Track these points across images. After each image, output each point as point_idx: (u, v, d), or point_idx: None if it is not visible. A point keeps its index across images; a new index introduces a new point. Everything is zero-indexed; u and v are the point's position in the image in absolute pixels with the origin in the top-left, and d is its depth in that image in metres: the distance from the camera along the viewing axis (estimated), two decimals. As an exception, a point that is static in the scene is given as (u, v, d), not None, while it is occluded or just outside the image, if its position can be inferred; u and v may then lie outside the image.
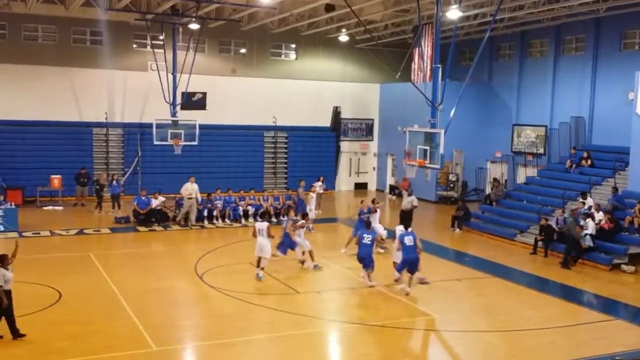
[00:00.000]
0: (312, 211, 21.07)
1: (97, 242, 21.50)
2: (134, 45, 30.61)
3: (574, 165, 24.78)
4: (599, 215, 19.83)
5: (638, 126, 21.31)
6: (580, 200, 21.25)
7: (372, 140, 36.44)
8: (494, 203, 25.98)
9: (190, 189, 23.78)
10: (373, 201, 20.13)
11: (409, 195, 22.43)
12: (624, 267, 18.52)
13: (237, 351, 11.77)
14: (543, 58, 29.32)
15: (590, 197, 21.61)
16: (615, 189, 21.45)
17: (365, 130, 36.32)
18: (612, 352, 12.01)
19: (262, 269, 16.27)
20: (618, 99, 24.58)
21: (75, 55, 29.45)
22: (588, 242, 19.11)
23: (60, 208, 26.72)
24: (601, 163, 24.11)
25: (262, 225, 16.52)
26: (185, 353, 11.94)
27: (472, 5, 24.32)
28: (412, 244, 14.91)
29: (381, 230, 19.39)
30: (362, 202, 20.55)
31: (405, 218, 21.45)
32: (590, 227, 19.39)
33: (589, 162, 24.40)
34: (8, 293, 11.34)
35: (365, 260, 15.69)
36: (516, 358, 11.83)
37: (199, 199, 24.06)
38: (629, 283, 17.70)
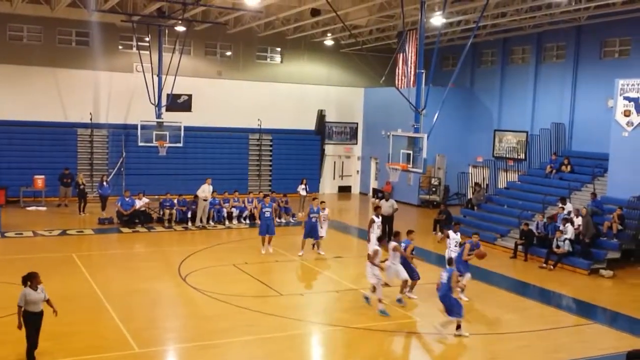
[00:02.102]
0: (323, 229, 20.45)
1: (80, 243, 21.50)
2: (120, 47, 30.61)
3: (554, 171, 25.17)
4: (578, 221, 20.18)
5: (617, 133, 21.74)
6: (560, 205, 21.61)
7: (356, 143, 36.68)
8: (475, 207, 26.32)
9: (207, 190, 23.97)
10: (320, 202, 20.59)
11: (387, 200, 22.68)
12: (602, 271, 18.86)
13: (220, 353, 11.87)
14: (525, 65, 29.73)
15: (570, 202, 21.98)
16: (594, 194, 21.84)
17: (349, 133, 36.56)
18: (590, 355, 12.28)
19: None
20: (598, 106, 25.00)
21: (60, 55, 29.39)
22: (567, 247, 19.45)
23: (44, 208, 26.65)
24: (581, 169, 24.51)
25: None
26: (168, 355, 12.01)
27: (456, 12, 24.64)
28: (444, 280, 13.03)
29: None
30: (314, 199, 21.22)
31: (387, 223, 21.73)
32: (570, 232, 19.74)
33: (569, 167, 24.80)
34: (33, 315, 10.54)
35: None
36: (497, 357, 12.04)
37: (210, 200, 24.36)
38: (607, 287, 18.04)
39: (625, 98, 21.39)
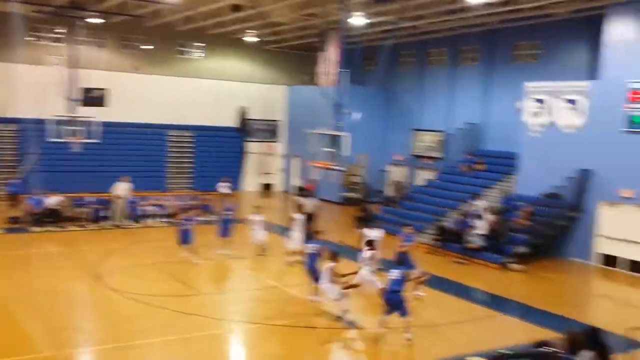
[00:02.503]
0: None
1: (-12, 243, 20.52)
2: (32, 38, 29.32)
3: (468, 169, 26.08)
4: (490, 217, 21.01)
5: (525, 133, 22.78)
6: (473, 202, 22.40)
7: (279, 141, 36.71)
8: (394, 204, 26.91)
9: (124, 188, 23.28)
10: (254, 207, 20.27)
11: (310, 198, 22.88)
12: (512, 266, 19.71)
13: (139, 354, 11.65)
14: (441, 66, 30.62)
15: (482, 199, 22.84)
16: (504, 191, 22.80)
17: (271, 131, 36.55)
18: (500, 346, 12.82)
19: None
20: (509, 108, 25.96)
21: (-33, 46, 27.92)
22: (479, 242, 20.21)
23: (-53, 207, 25.25)
24: (492, 167, 25.52)
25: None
26: (80, 357, 11.68)
27: (376, 13, 25.04)
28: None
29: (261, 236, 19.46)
30: (227, 197, 20.97)
31: (309, 221, 21.89)
32: (481, 227, 20.52)
33: (482, 166, 25.77)
34: None
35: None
36: (407, 354, 12.34)
37: (128, 198, 23.67)
38: (517, 281, 18.86)
39: (534, 100, 22.45)
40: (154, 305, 14.16)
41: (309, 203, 22.39)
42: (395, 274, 12.56)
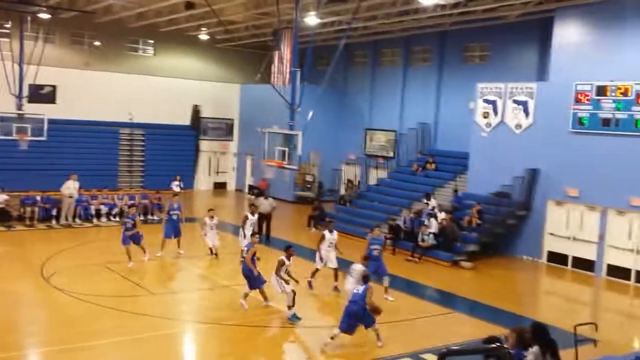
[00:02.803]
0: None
1: None
2: (-24, 32, 28.41)
3: (420, 169, 26.45)
4: (441, 215, 21.35)
5: (476, 133, 23.24)
6: (425, 201, 22.74)
7: (232, 140, 36.51)
8: (347, 203, 27.08)
9: (72, 187, 22.75)
10: (209, 210, 19.56)
11: (266, 198, 22.81)
12: (463, 263, 20.09)
13: (87, 356, 11.43)
14: (394, 67, 30.95)
15: (434, 198, 23.19)
16: (455, 191, 23.21)
17: (225, 130, 36.30)
18: (450, 342, 13.03)
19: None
20: (460, 108, 26.47)
21: None
22: (431, 241, 20.52)
23: None
24: (444, 167, 25.95)
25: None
26: None
27: (329, 13, 25.16)
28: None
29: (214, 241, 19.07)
30: (174, 195, 21.16)
31: (264, 220, 21.87)
32: (434, 226, 20.85)
33: (433, 165, 26.16)
34: None
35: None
36: (361, 348, 12.42)
37: (76, 197, 23.21)
38: (467, 278, 19.25)
39: (485, 101, 22.92)
40: (104, 305, 13.91)
41: (265, 203, 22.33)
42: (361, 289, 12.23)
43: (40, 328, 12.82)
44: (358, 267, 13.65)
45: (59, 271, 16.34)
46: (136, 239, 17.67)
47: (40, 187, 24.43)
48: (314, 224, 25.03)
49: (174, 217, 19.21)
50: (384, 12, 24.67)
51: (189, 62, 34.55)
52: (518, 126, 21.93)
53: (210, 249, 19.05)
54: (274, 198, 23.60)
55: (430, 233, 20.61)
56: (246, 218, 18.55)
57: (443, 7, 23.06)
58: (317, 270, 16.21)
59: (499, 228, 21.31)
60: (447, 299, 16.59)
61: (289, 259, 13.93)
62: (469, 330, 14.00)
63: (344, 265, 19.06)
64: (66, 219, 23.17)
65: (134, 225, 17.61)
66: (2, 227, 22.04)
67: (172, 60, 34.02)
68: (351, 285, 13.39)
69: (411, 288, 17.31)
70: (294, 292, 13.68)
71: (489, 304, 16.05)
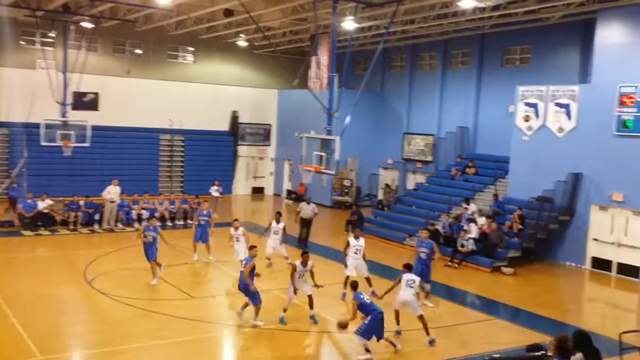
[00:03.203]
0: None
1: (-22, 247, 20.38)
2: (22, 42, 29.25)
3: (459, 173, 26.16)
4: (481, 220, 21.07)
5: (517, 137, 22.87)
6: (464, 205, 22.48)
7: (270, 145, 36.70)
8: (385, 208, 26.95)
9: (113, 192, 23.24)
10: (234, 221, 18.36)
11: (308, 203, 22.70)
12: (503, 269, 19.77)
13: (129, 358, 11.60)
14: (432, 70, 30.72)
15: (474, 203, 22.90)
16: (496, 195, 22.88)
17: (262, 135, 36.52)
18: (491, 350, 12.84)
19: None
20: (500, 111, 26.15)
21: (-44, 50, 27.82)
22: (471, 246, 20.26)
23: (-64, 211, 25.08)
24: (484, 171, 25.59)
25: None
26: (73, 361, 11.64)
27: (367, 17, 25.14)
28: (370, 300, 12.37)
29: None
30: (204, 202, 20.92)
31: (306, 225, 21.90)
32: (474, 231, 20.59)
33: (473, 170, 25.84)
34: None
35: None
36: (401, 357, 12.34)
37: (118, 202, 23.74)
38: (508, 284, 18.92)
39: (526, 104, 22.54)
40: (145, 309, 14.12)
41: (307, 208, 22.31)
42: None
43: (83, 331, 13.06)
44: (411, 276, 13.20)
45: (102, 275, 16.63)
46: (150, 253, 16.54)
47: (83, 192, 24.93)
48: (352, 229, 24.94)
49: (202, 222, 19.31)
50: (422, 16, 24.53)
51: (228, 68, 34.91)
52: (560, 129, 21.51)
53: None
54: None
55: (470, 238, 20.35)
56: (270, 225, 18.50)
57: (482, 9, 22.82)
58: (347, 277, 15.78)
59: (540, 233, 20.91)
60: (487, 305, 16.35)
61: (304, 265, 13.85)
62: (510, 337, 13.77)
63: (382, 270, 19.01)
64: (108, 223, 23.60)
65: (155, 240, 16.51)
66: (46, 232, 22.58)
67: (211, 67, 34.42)
68: (409, 296, 12.98)
69: (451, 294, 17.12)
70: (310, 297, 13.77)
71: (531, 311, 15.77)
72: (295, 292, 13.83)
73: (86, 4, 24.08)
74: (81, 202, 23.96)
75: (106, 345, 12.01)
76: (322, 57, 27.72)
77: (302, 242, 21.94)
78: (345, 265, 16.02)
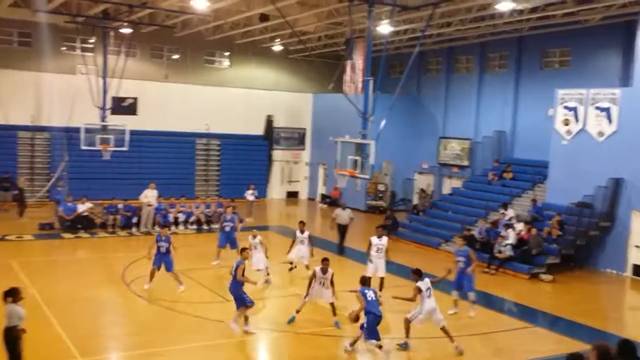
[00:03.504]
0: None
1: (20, 249, 20.84)
2: (63, 48, 29.92)
3: (496, 178, 25.81)
4: (519, 226, 20.74)
5: (556, 141, 22.47)
6: (502, 211, 22.16)
7: (304, 149, 36.78)
8: (420, 213, 26.74)
9: (151, 195, 23.60)
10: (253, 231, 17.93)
11: (344, 209, 22.54)
12: (542, 276, 19.41)
13: (165, 361, 11.74)
14: (469, 73, 30.42)
15: (511, 208, 22.56)
16: (534, 200, 22.50)
17: (297, 139, 36.63)
18: (529, 358, 12.62)
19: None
20: (538, 115, 25.75)
21: (1, 56, 28.72)
22: (509, 252, 19.95)
23: (-19, 214, 25.77)
24: (521, 176, 25.21)
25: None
26: (111, 363, 11.81)
27: (403, 20, 25.02)
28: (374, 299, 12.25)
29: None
30: (227, 207, 20.54)
31: (342, 231, 21.82)
32: (511, 237, 20.27)
33: (510, 174, 25.47)
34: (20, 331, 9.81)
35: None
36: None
37: (155, 205, 24.06)
38: (547, 292, 18.60)
39: (565, 107, 22.13)
40: (181, 311, 14.24)
41: (343, 214, 22.20)
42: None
43: (120, 333, 13.25)
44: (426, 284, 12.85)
45: (139, 278, 16.83)
46: (168, 264, 16.12)
47: (121, 196, 25.33)
48: (387, 234, 24.79)
49: (227, 228, 19.18)
50: (458, 19, 24.32)
51: (263, 72, 35.12)
52: (600, 134, 21.06)
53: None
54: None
55: (507, 244, 20.04)
56: (295, 236, 18.19)
57: (520, 11, 22.52)
58: (369, 278, 15.68)
59: (580, 240, 20.49)
60: (525, 313, 16.06)
61: (323, 272, 13.77)
62: (548, 345, 13.52)
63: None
64: (146, 226, 23.91)
65: (168, 250, 16.03)
66: (86, 234, 22.99)
67: (246, 71, 34.68)
68: (434, 303, 12.72)
69: (487, 301, 16.87)
70: (332, 304, 13.76)
71: (570, 319, 15.45)
72: (308, 296, 13.83)
73: (125, 10, 24.48)
74: (119, 206, 24.34)
75: (143, 347, 12.16)
76: (358, 60, 27.69)
77: (341, 249, 21.86)
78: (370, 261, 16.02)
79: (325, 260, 13.92)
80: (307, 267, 17.72)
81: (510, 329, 14.55)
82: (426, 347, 12.96)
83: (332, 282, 13.86)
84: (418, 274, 12.81)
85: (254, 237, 17.19)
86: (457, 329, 13.95)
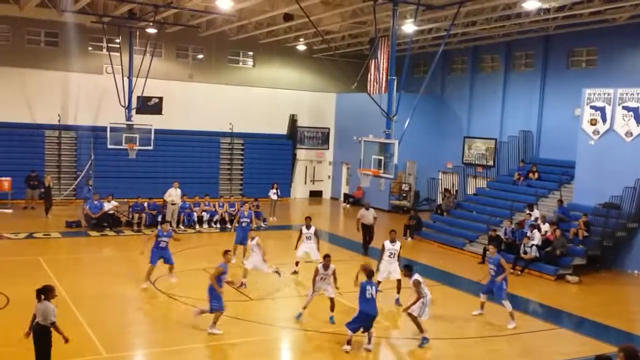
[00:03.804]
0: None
1: (47, 246, 21.17)
2: (90, 48, 30.29)
3: (521, 178, 25.56)
4: (545, 227, 20.51)
5: (583, 141, 22.18)
6: (527, 211, 21.94)
7: (328, 148, 36.79)
8: (444, 213, 26.58)
9: (174, 194, 23.81)
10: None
11: (367, 209, 22.09)
12: (568, 277, 19.19)
13: (188, 358, 11.80)
14: (494, 73, 30.16)
15: (537, 209, 22.32)
16: (560, 201, 22.24)
17: (321, 138, 36.64)
18: (555, 359, 12.49)
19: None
20: (565, 115, 25.46)
21: (28, 56, 28.99)
22: (534, 253, 19.74)
23: (10, 211, 26.17)
24: (547, 176, 24.93)
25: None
26: (136, 360, 11.93)
27: (427, 20, 24.90)
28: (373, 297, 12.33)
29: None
30: (244, 203, 20.84)
31: (367, 231, 21.69)
32: (537, 238, 20.05)
33: (536, 175, 25.20)
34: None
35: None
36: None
37: (179, 204, 24.29)
38: (573, 293, 18.38)
39: (592, 107, 21.84)
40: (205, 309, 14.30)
41: (367, 214, 21.99)
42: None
43: (145, 330, 13.40)
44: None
45: (164, 275, 16.97)
46: (167, 258, 16.58)
47: (147, 194, 25.58)
48: (410, 233, 24.75)
49: (244, 224, 19.25)
50: (484, 17, 24.12)
51: (287, 72, 35.19)
52: (628, 134, 20.74)
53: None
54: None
55: (533, 245, 19.84)
56: (301, 233, 18.21)
57: (547, 10, 22.27)
58: (378, 282, 15.54)
59: (607, 241, 20.20)
60: (551, 314, 15.90)
61: (325, 268, 13.84)
62: (575, 347, 13.37)
63: (442, 276, 18.77)
64: (170, 224, 24.04)
65: (167, 245, 16.39)
66: (112, 232, 23.25)
67: (270, 70, 34.78)
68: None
69: (513, 302, 16.58)
70: (332, 300, 13.90)
71: (596, 320, 15.27)
72: (314, 291, 13.99)
73: (151, 10, 24.71)
74: (145, 204, 24.56)
75: (167, 344, 12.27)
76: (382, 60, 27.58)
77: (366, 248, 21.75)
78: (377, 269, 15.64)
79: (327, 257, 14.03)
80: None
81: (536, 330, 14.41)
82: (427, 346, 12.87)
83: (334, 278, 13.93)
84: (409, 269, 13.28)
85: (252, 239, 16.86)
86: (479, 330, 13.87)
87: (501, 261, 14.70)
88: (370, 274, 12.60)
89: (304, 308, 14.03)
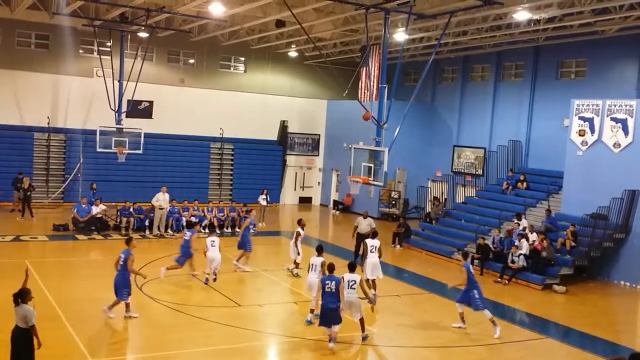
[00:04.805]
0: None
1: (34, 249, 21.04)
2: (81, 51, 30.20)
3: (510, 187, 25.68)
4: (533, 236, 20.61)
5: (571, 152, 22.33)
6: (515, 221, 22.04)
7: (318, 155, 36.82)
8: (433, 221, 26.64)
9: (162, 199, 23.72)
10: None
11: (365, 217, 22.09)
12: (555, 287, 19.26)
13: (174, 363, 11.76)
14: (484, 82, 30.33)
15: (525, 218, 22.43)
16: (548, 211, 22.35)
17: (311, 145, 36.68)
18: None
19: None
20: (554, 125, 25.61)
21: (18, 58, 28.87)
22: (522, 262, 19.82)
23: (-4, 214, 26.01)
24: (536, 186, 25.05)
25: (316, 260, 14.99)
26: (121, 365, 11.85)
27: (418, 28, 25.03)
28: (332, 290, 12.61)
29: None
30: (250, 211, 21.35)
31: (362, 240, 21.48)
32: (524, 247, 20.14)
33: (525, 184, 25.33)
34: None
35: None
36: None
37: (168, 208, 24.20)
38: (560, 303, 18.44)
39: (580, 118, 22.00)
40: (192, 315, 14.27)
41: (363, 222, 21.91)
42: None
43: (132, 335, 13.30)
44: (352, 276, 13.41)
45: (151, 280, 16.88)
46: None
47: (136, 198, 25.47)
48: (399, 241, 24.79)
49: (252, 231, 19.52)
50: (474, 27, 24.28)
51: (278, 78, 35.23)
52: (616, 145, 20.91)
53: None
54: (358, 214, 23.45)
55: (520, 254, 19.92)
56: (298, 234, 18.47)
57: (537, 22, 22.45)
58: (367, 280, 16.02)
59: (594, 251, 20.31)
60: (537, 324, 15.95)
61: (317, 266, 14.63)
62: (561, 357, 13.46)
63: (430, 285, 18.80)
64: (158, 229, 24.02)
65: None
66: (99, 236, 23.13)
67: (261, 76, 34.81)
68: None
69: (499, 311, 16.72)
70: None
71: (583, 331, 15.32)
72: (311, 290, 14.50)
73: (143, 14, 24.67)
74: (134, 208, 24.46)
75: (153, 349, 12.21)
76: (373, 68, 27.67)
77: (358, 257, 21.63)
78: (362, 266, 16.41)
79: (319, 249, 15.10)
80: (297, 264, 18.48)
81: (522, 340, 14.44)
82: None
83: (323, 270, 14.10)
84: (348, 267, 13.47)
85: (211, 235, 18.15)
86: (465, 340, 13.89)
87: (461, 270, 14.73)
88: (331, 268, 12.99)
89: (312, 311, 14.12)
